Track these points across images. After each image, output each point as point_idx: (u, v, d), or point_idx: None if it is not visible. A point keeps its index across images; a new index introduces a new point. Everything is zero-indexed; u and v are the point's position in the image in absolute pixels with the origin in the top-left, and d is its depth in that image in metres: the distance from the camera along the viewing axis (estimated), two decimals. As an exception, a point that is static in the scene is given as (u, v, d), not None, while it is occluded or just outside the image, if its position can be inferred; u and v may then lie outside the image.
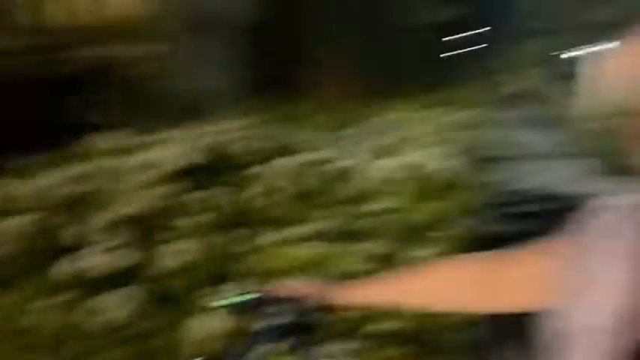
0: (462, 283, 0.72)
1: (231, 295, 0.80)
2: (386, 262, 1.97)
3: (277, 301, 0.78)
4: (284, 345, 0.75)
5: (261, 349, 0.72)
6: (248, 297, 0.78)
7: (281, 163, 2.59)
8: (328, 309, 0.80)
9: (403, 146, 3.33)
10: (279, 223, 2.15)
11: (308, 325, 0.77)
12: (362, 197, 2.60)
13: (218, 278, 1.86)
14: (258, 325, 0.74)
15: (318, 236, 2.08)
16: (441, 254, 2.13)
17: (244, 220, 2.12)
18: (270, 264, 1.77)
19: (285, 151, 3.07)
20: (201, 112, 4.40)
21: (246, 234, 1.93)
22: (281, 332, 0.73)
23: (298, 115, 4.75)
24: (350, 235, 2.13)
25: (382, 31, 7.18)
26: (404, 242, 2.21)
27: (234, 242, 1.96)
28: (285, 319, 0.75)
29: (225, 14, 6.86)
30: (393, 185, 2.69)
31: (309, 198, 2.44)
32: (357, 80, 7.26)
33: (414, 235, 2.28)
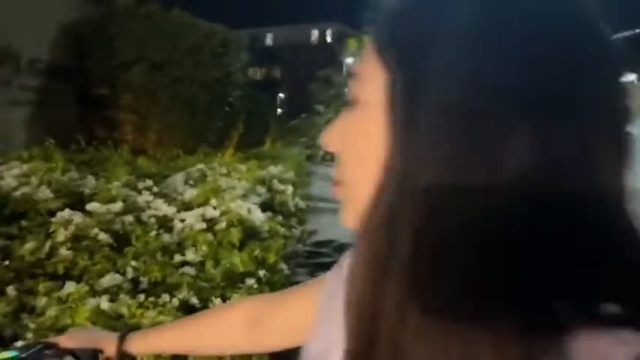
0: (241, 324, 0.76)
1: (12, 349, 0.75)
2: (190, 312, 2.03)
3: (61, 352, 0.77)
4: None
5: None
6: (7, 354, 0.74)
7: (92, 208, 2.51)
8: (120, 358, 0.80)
9: (216, 197, 3.45)
10: (86, 272, 2.09)
11: None
12: (174, 248, 2.64)
13: (9, 335, 1.73)
14: None
15: (128, 287, 2.08)
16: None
17: (46, 270, 2.01)
18: (73, 317, 1.71)
19: (85, 198, 2.96)
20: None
21: (48, 286, 1.83)
22: None
23: (102, 162, 4.58)
24: (161, 286, 2.16)
25: (198, 84, 7.32)
26: (215, 292, 2.31)
27: (30, 294, 1.85)
28: None
29: (16, 50, 6.38)
30: (205, 236, 2.78)
31: (120, 247, 2.41)
32: (169, 132, 7.25)
33: (225, 284, 2.39)
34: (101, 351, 0.80)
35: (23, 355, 0.74)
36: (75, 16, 7.30)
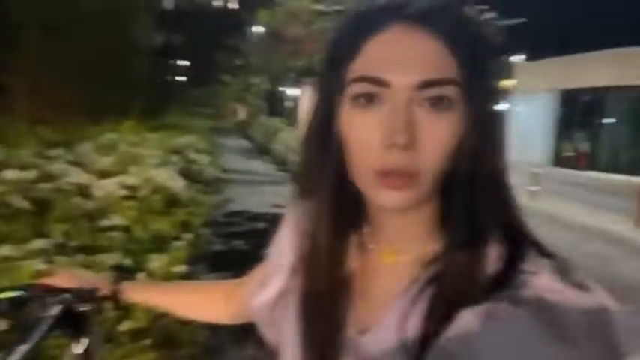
0: (221, 299, 0.89)
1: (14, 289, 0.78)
2: (123, 272, 2.13)
3: (44, 294, 0.79)
4: (57, 334, 0.76)
5: (33, 341, 0.70)
6: (11, 294, 0.77)
7: (7, 176, 2.46)
8: (98, 300, 0.85)
9: (129, 166, 3.47)
10: (11, 238, 2.09)
11: (79, 314, 0.80)
12: (94, 214, 2.67)
13: None
14: (27, 318, 0.74)
15: (56, 250, 2.12)
16: (170, 266, 2.41)
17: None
18: (5, 279, 1.74)
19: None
20: None
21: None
22: (52, 323, 0.75)
23: (6, 132, 4.34)
24: (87, 249, 2.22)
25: (100, 52, 6.99)
26: (137, 255, 2.41)
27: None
28: (54, 310, 0.76)
29: None
30: (122, 203, 2.83)
31: (43, 213, 2.41)
32: (67, 100, 6.88)
33: (145, 248, 2.49)
34: (97, 289, 0.85)
35: (26, 294, 0.79)
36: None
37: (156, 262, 2.29)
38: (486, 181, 0.58)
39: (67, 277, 0.87)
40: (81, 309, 0.80)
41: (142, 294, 0.93)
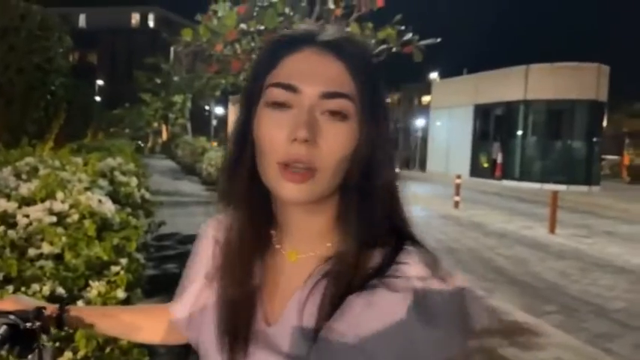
0: (164, 322, 0.93)
1: None
2: (59, 302, 2.04)
3: (3, 314, 0.81)
4: (4, 353, 0.79)
5: None
6: None
7: None
8: (44, 319, 0.85)
9: (55, 191, 3.31)
10: None
11: (26, 332, 0.81)
12: (23, 242, 2.53)
13: None
14: None
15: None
16: (109, 293, 2.32)
17: None
18: None
19: None
20: None
21: None
22: (1, 340, 0.78)
23: None
24: (16, 280, 2.10)
25: (14, 70, 6.62)
26: (72, 283, 2.30)
27: None
28: (5, 327, 0.79)
29: None
30: (51, 230, 2.70)
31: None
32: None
33: (80, 275, 2.39)
34: (45, 308, 0.87)
35: None
36: None
37: (94, 289, 2.20)
38: (377, 186, 0.68)
39: (11, 301, 0.88)
40: (28, 327, 0.82)
41: (86, 317, 0.94)
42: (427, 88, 30.44)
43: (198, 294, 0.82)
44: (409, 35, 5.81)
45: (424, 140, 29.59)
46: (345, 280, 0.65)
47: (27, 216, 2.80)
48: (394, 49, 6.04)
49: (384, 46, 6.13)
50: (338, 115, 0.65)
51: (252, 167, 0.70)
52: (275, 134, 0.65)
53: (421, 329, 0.61)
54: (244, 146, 0.71)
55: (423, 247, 0.69)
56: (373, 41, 6.03)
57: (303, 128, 0.63)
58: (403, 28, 6.21)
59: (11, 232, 2.56)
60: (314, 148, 0.64)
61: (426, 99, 31.11)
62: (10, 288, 1.93)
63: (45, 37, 6.89)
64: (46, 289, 2.02)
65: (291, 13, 6.17)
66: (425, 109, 30.13)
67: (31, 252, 2.39)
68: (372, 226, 0.68)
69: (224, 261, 0.76)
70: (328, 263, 0.69)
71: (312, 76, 0.65)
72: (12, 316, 0.82)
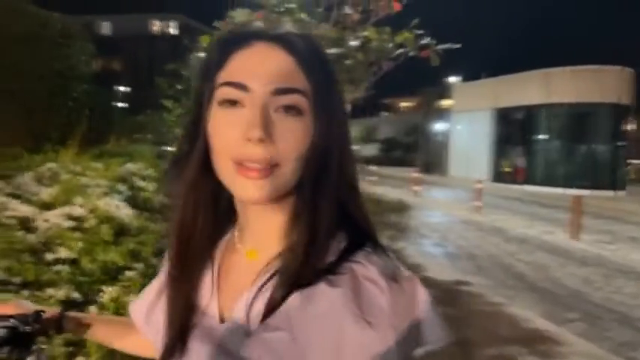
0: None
1: None
2: (73, 307, 2.06)
3: (3, 318, 0.83)
4: (3, 354, 0.81)
5: None
6: None
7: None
8: (43, 323, 0.87)
9: (73, 196, 3.37)
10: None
11: (24, 335, 0.83)
12: (38, 247, 2.57)
13: None
14: None
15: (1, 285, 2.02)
16: (122, 298, 2.34)
17: None
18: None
19: None
20: None
21: None
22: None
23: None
24: (33, 284, 2.13)
25: (36, 77, 6.75)
26: (87, 288, 2.33)
27: None
28: (4, 331, 0.81)
29: None
30: (74, 234, 2.74)
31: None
32: (13, 128, 6.59)
33: (95, 280, 2.41)
34: (44, 311, 0.89)
35: None
36: None
37: (107, 294, 2.22)
38: (333, 183, 0.68)
39: (12, 306, 0.90)
40: (27, 330, 0.84)
41: (83, 323, 0.94)
42: (445, 92, 30.21)
43: (158, 290, 0.82)
44: (427, 39, 5.76)
45: (444, 144, 29.34)
46: (292, 277, 0.64)
47: (46, 220, 2.85)
48: (411, 54, 6.00)
49: (401, 50, 6.09)
50: (292, 110, 0.64)
51: (204, 165, 0.69)
52: (229, 133, 0.64)
53: (352, 326, 0.59)
54: (194, 145, 0.70)
55: (383, 249, 0.68)
56: (390, 45, 6.00)
57: (257, 127, 0.62)
58: (421, 32, 6.17)
59: (30, 237, 2.60)
60: (270, 146, 0.63)
61: (444, 103, 30.87)
62: (26, 292, 1.96)
63: (66, 45, 7.03)
64: (61, 294, 2.04)
65: (308, 19, 6.17)
66: (443, 113, 29.88)
67: (49, 256, 2.43)
68: (327, 223, 0.66)
69: (173, 256, 0.76)
70: (278, 261, 0.68)
71: (263, 72, 0.64)
72: (12, 320, 0.85)
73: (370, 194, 8.14)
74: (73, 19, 9.42)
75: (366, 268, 0.63)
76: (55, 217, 2.83)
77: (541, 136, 22.30)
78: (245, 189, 0.64)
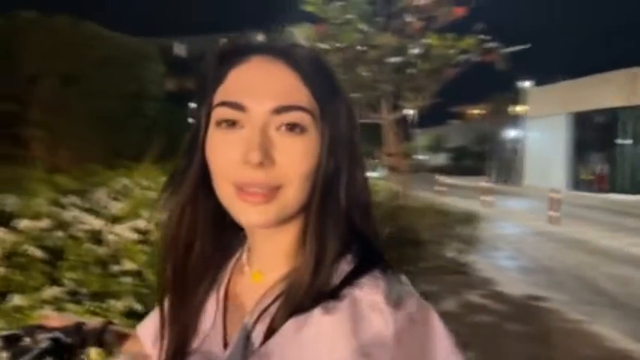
0: None
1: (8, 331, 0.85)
2: (134, 318, 2.11)
3: (49, 330, 0.86)
4: None
5: None
6: (5, 332, 0.85)
7: (22, 225, 2.50)
8: (84, 335, 0.89)
9: (141, 210, 3.49)
10: (26, 287, 2.10)
11: (66, 346, 0.85)
12: (107, 259, 2.68)
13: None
14: (22, 351, 0.81)
15: (68, 298, 2.12)
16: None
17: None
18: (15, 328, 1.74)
19: (9, 217, 2.91)
20: None
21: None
22: (39, 354, 0.81)
23: (20, 180, 4.42)
24: (99, 295, 2.22)
25: (113, 99, 7.17)
26: (149, 300, 2.39)
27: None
28: (43, 344, 0.83)
29: None
30: (134, 247, 2.84)
31: (54, 262, 2.43)
32: (83, 147, 7.03)
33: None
34: (84, 323, 0.91)
35: (19, 332, 0.85)
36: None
37: (167, 305, 2.26)
38: (341, 203, 0.63)
39: (58, 318, 0.93)
40: (69, 342, 0.86)
41: (125, 337, 0.94)
42: (518, 98, 29.06)
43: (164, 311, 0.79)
44: (492, 43, 5.57)
45: (517, 152, 28.17)
46: (294, 303, 0.60)
47: (115, 234, 2.98)
48: (475, 59, 5.82)
49: (465, 56, 5.92)
50: (295, 128, 0.60)
51: (202, 182, 0.66)
52: (227, 156, 0.61)
53: (344, 356, 0.54)
54: (191, 161, 0.67)
55: (395, 272, 0.61)
56: (453, 51, 5.85)
57: (256, 150, 0.58)
58: (487, 37, 5.97)
59: (99, 249, 2.72)
60: (271, 169, 0.59)
61: (516, 109, 29.71)
62: (92, 303, 2.04)
63: (140, 66, 7.43)
64: (121, 305, 2.10)
65: (367, 29, 6.15)
66: (515, 119, 28.74)
67: (115, 268, 2.53)
68: (334, 247, 0.62)
69: (169, 280, 0.72)
70: (283, 284, 0.64)
71: (261, 90, 0.60)
72: (56, 332, 0.87)
73: (438, 205, 7.91)
74: (151, 41, 9.95)
75: (369, 293, 0.57)
76: (123, 230, 2.95)
77: (625, 141, 20.88)
78: (246, 214, 0.61)
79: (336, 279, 0.61)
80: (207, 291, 0.73)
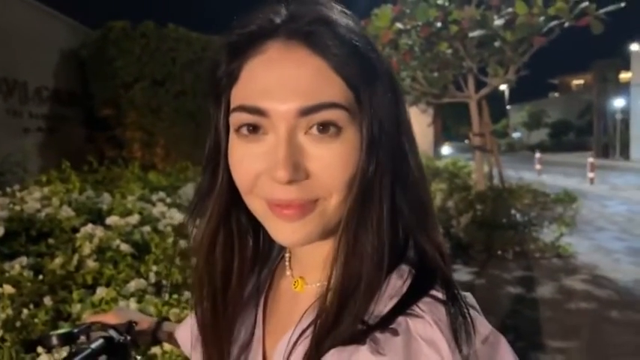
0: None
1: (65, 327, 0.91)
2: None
3: (105, 327, 0.91)
4: None
5: None
6: (61, 330, 0.90)
7: (112, 222, 2.67)
8: (136, 333, 0.92)
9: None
10: (115, 280, 2.25)
11: (121, 345, 0.89)
12: (188, 253, 2.78)
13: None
14: (78, 348, 0.83)
15: (151, 290, 2.23)
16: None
17: (76, 281, 2.16)
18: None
19: (104, 214, 3.11)
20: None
21: (80, 294, 1.99)
22: (94, 352, 0.83)
23: (114, 180, 4.73)
24: (178, 287, 2.31)
25: (200, 96, 7.49)
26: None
27: (65, 303, 2.01)
28: (98, 342, 0.86)
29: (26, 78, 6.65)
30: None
31: (141, 255, 2.56)
32: (175, 145, 7.41)
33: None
34: (136, 322, 0.93)
35: (75, 330, 0.90)
36: (75, 43, 7.53)
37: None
38: (384, 208, 0.52)
39: (113, 315, 0.95)
40: (121, 341, 0.89)
41: (178, 334, 0.93)
42: (626, 63, 26.52)
43: None
44: (584, 4, 5.07)
45: (624, 123, 25.78)
46: (329, 328, 0.50)
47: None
48: (567, 24, 5.34)
49: (555, 22, 5.46)
50: (329, 128, 0.49)
51: (231, 199, 0.58)
52: (252, 169, 0.52)
53: None
54: (215, 179, 0.59)
55: (458, 292, 0.50)
56: (542, 19, 5.42)
57: (282, 167, 0.48)
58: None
59: (182, 243, 2.84)
60: (305, 183, 0.50)
61: (623, 76, 27.15)
62: (170, 296, 2.12)
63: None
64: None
65: (447, 4, 5.87)
66: (622, 88, 26.25)
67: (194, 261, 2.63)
68: (376, 264, 0.51)
69: (206, 309, 0.65)
70: (325, 299, 0.53)
71: (283, 89, 0.49)
72: (111, 330, 0.90)
73: (536, 185, 7.45)
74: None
75: (427, 324, 0.47)
76: (205, 224, 3.04)
77: None
78: (282, 232, 0.52)
79: (386, 298, 0.51)
80: (249, 298, 0.66)
